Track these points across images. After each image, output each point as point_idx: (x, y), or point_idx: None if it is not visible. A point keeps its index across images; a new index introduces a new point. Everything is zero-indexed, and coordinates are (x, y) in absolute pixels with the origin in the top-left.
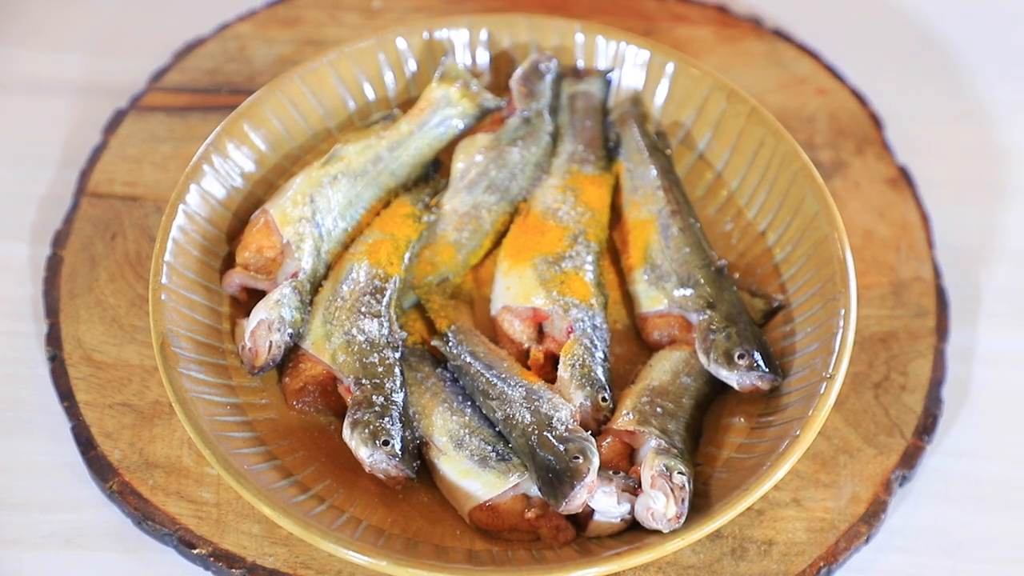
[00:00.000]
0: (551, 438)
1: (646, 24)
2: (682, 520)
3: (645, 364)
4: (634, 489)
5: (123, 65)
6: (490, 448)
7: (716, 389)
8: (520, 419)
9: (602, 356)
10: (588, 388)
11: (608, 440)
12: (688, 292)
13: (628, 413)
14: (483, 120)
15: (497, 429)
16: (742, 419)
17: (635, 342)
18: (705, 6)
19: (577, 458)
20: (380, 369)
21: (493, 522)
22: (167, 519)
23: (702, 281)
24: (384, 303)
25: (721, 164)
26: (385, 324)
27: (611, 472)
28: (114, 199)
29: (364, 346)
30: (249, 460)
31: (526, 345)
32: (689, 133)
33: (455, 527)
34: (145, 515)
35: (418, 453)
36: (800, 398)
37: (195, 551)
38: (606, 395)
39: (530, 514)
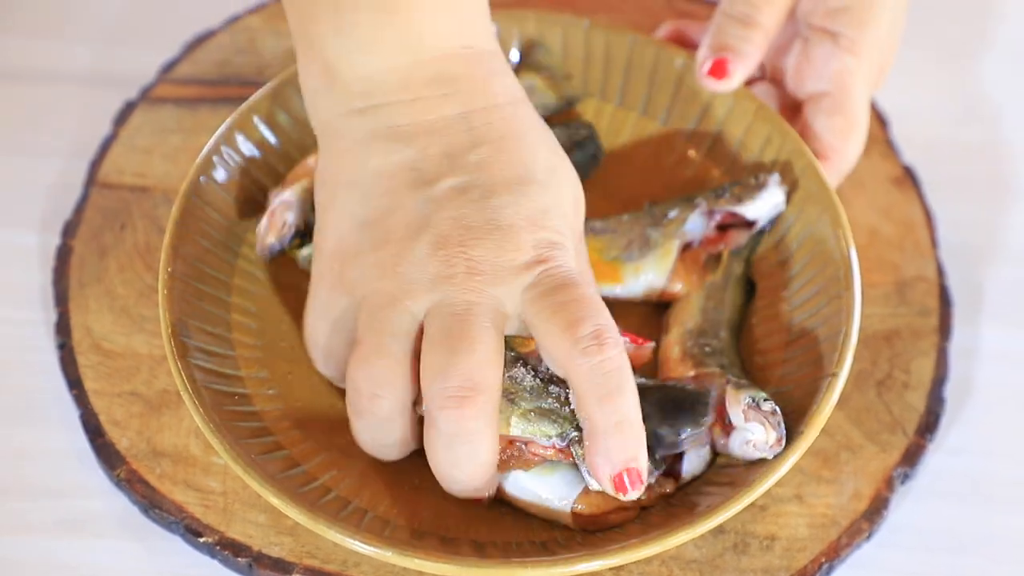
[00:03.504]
0: (648, 385)
1: (652, 20)
2: (783, 443)
3: (668, 313)
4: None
5: (133, 56)
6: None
7: (744, 314)
8: None
9: None
10: None
11: None
12: None
13: (682, 360)
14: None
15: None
16: None
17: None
18: (712, 3)
19: (689, 384)
20: None
21: (597, 506)
22: (174, 507)
23: None
24: None
25: (728, 162)
26: None
27: None
28: (124, 190)
29: None
30: (256, 449)
31: None
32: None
33: (462, 519)
34: (152, 503)
35: None
36: (804, 395)
37: (201, 539)
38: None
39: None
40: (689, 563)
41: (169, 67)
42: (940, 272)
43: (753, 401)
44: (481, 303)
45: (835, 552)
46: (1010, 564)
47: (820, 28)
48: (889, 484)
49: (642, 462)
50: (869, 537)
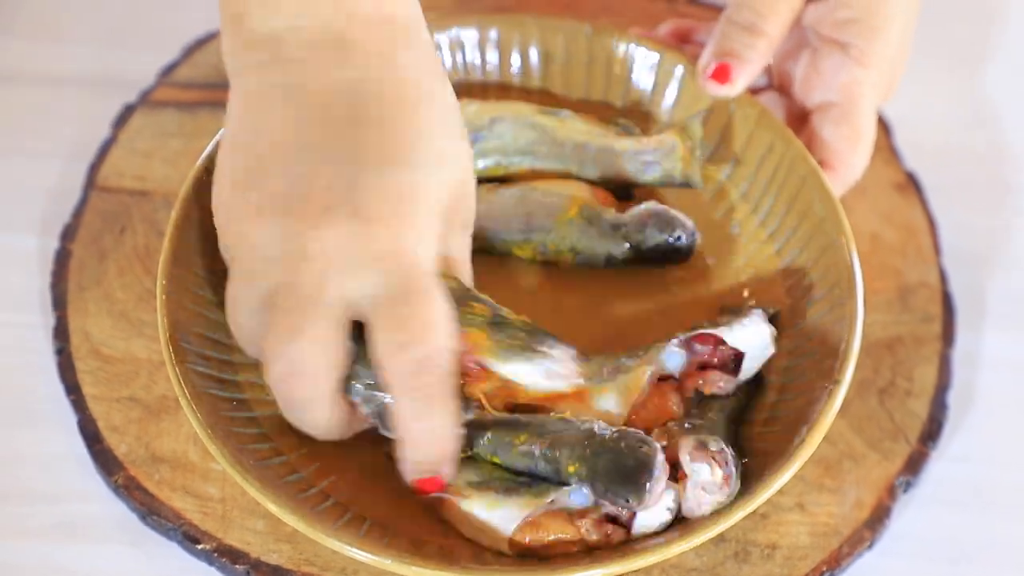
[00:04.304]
0: (606, 442)
1: (655, 24)
2: (732, 481)
3: None
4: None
5: (132, 59)
6: (515, 483)
7: (746, 406)
8: (567, 442)
9: None
10: None
11: None
12: None
13: (659, 436)
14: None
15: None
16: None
17: None
18: (714, 7)
19: (642, 447)
20: None
21: (536, 537)
22: (172, 514)
23: None
24: None
25: (729, 168)
26: None
27: None
28: (123, 193)
29: None
30: (255, 455)
31: None
32: None
33: None
34: (150, 509)
35: None
36: (806, 402)
37: (200, 546)
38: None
39: (585, 528)
40: (690, 572)
41: (169, 70)
42: (943, 278)
43: (700, 443)
44: (324, 292)
45: (836, 561)
46: (1012, 571)
47: (829, 38)
48: (891, 492)
49: (441, 470)
50: (871, 546)
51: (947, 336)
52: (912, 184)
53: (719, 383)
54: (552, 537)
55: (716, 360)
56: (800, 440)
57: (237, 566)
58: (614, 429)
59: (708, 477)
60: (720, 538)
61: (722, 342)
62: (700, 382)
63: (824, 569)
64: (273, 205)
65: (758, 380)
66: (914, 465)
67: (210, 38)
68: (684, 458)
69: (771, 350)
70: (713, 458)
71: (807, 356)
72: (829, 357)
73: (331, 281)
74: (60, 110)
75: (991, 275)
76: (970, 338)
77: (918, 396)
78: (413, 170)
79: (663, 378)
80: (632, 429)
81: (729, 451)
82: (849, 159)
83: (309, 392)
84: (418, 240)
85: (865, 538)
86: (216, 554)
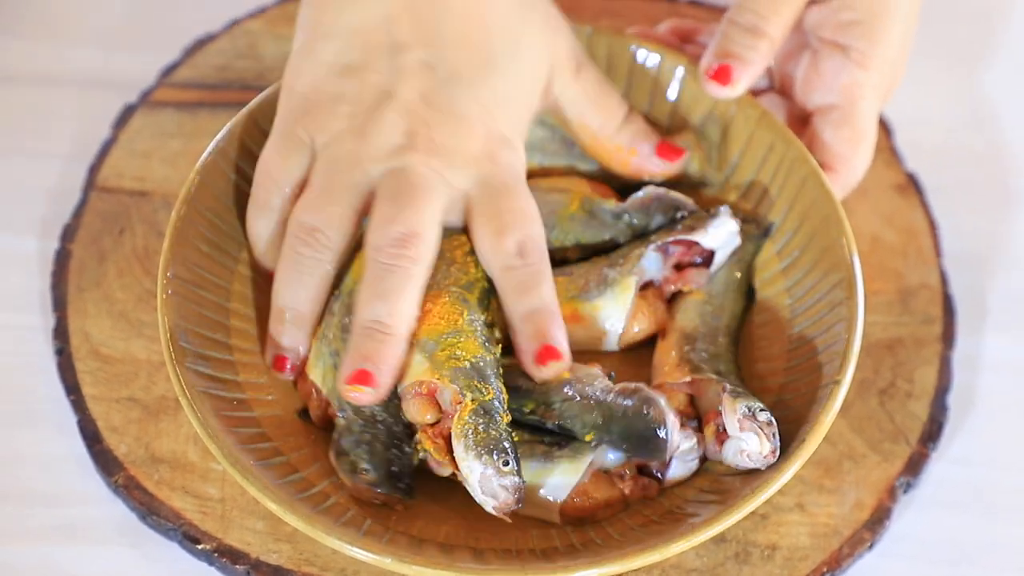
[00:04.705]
0: (613, 410)
1: (656, 26)
2: (777, 454)
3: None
4: (698, 429)
5: (133, 60)
6: (541, 442)
7: (742, 321)
8: (575, 413)
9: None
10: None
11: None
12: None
13: (678, 365)
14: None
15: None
16: None
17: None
18: (715, 9)
19: (647, 413)
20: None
21: (587, 505)
22: (172, 514)
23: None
24: None
25: (730, 168)
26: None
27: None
28: (123, 194)
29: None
30: (255, 455)
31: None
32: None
33: (460, 526)
34: (150, 510)
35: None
36: (806, 403)
37: (200, 546)
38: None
39: (625, 485)
40: (690, 572)
41: (169, 71)
42: (943, 280)
43: (749, 411)
44: (435, 178)
45: (837, 562)
46: (1013, 574)
47: (830, 41)
48: (891, 494)
49: (557, 342)
50: (871, 547)
51: (948, 338)
52: (913, 185)
53: (696, 280)
54: (598, 499)
55: (689, 258)
56: (800, 440)
57: (237, 566)
58: (615, 391)
59: (756, 448)
60: (720, 538)
61: (697, 245)
62: (680, 284)
63: (824, 570)
64: (377, 99)
65: (750, 295)
66: (914, 466)
67: (210, 39)
68: (731, 424)
69: (737, 241)
70: (762, 430)
71: (807, 356)
72: (829, 357)
73: (441, 172)
74: (60, 110)
75: (992, 277)
76: (971, 340)
77: (918, 397)
78: (503, 76)
79: (644, 286)
80: (633, 385)
81: (775, 423)
82: (850, 161)
83: (420, 254)
84: (503, 142)
85: (865, 539)
86: (216, 554)
